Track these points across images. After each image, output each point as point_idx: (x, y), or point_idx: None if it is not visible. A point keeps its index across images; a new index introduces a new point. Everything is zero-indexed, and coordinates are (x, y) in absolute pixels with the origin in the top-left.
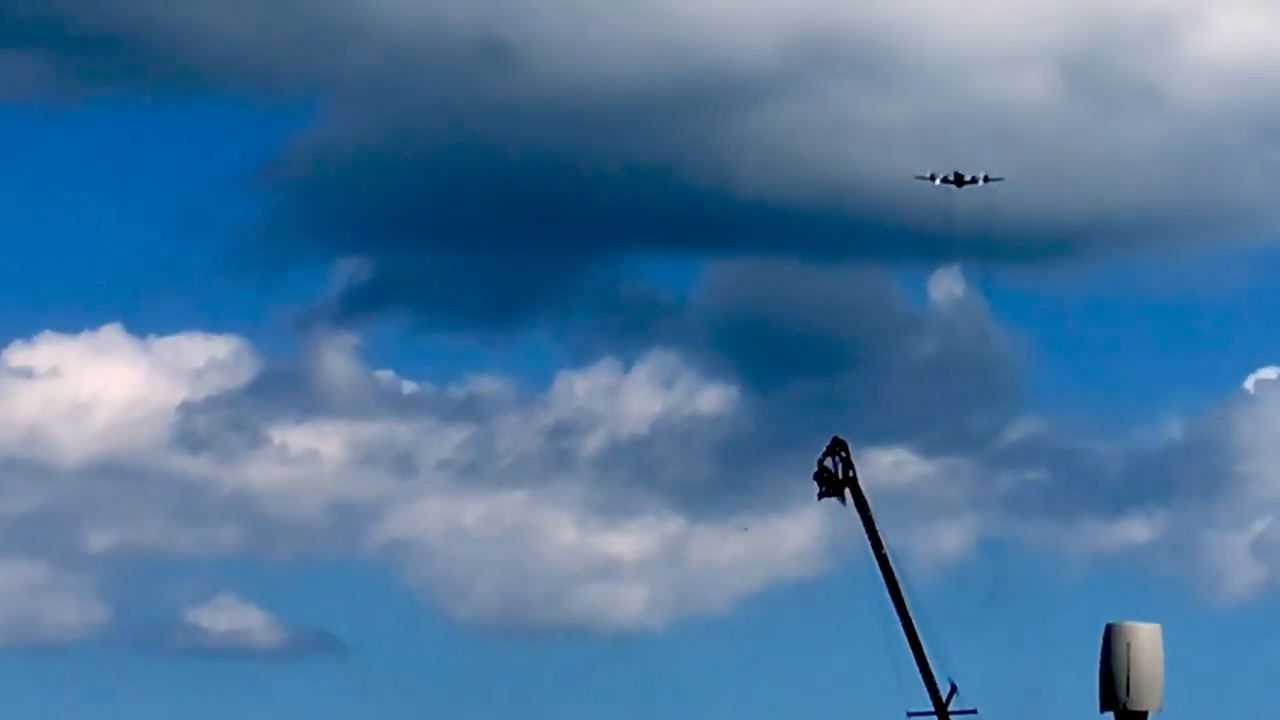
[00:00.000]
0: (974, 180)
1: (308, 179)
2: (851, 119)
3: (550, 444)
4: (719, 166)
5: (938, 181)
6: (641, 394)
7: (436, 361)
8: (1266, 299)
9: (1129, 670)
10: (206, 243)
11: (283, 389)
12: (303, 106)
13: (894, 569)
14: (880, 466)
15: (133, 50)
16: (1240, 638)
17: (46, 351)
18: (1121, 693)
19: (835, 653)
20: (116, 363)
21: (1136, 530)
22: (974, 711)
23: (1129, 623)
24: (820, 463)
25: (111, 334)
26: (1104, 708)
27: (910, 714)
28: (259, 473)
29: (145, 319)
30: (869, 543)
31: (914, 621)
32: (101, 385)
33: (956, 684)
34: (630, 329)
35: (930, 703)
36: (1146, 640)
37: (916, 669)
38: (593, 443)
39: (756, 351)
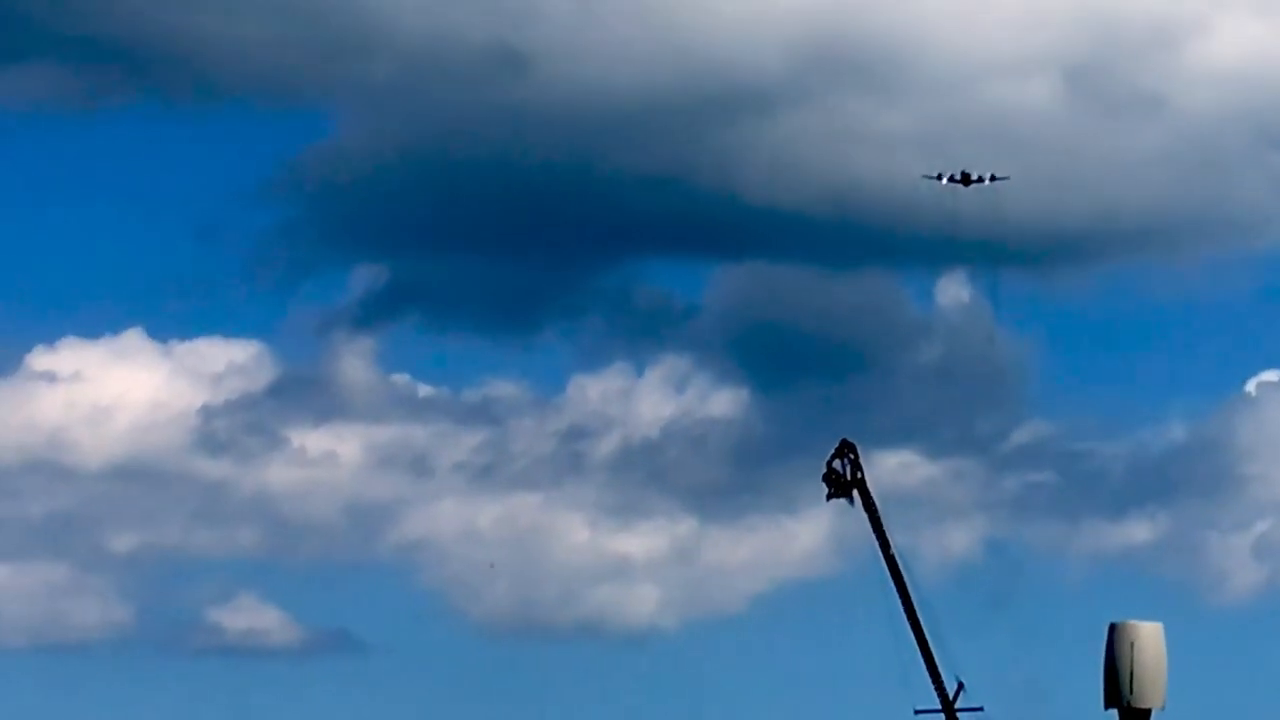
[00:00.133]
0: (980, 179)
1: (325, 187)
2: (859, 126)
3: (564, 446)
4: (729, 173)
5: (944, 181)
6: (653, 397)
7: (452, 365)
8: (1268, 303)
9: (1132, 668)
10: (226, 249)
11: (301, 393)
12: (320, 116)
13: (901, 569)
14: (888, 468)
15: (154, 62)
16: (1242, 637)
17: (69, 356)
18: (1125, 691)
19: (844, 651)
20: (138, 367)
21: (1140, 531)
22: (980, 709)
23: (1132, 622)
24: (829, 464)
25: (133, 339)
26: (1108, 705)
27: (918, 711)
28: (278, 475)
29: (166, 324)
30: (877, 543)
31: (921, 620)
32: (123, 389)
33: (963, 682)
34: (642, 334)
35: (937, 700)
36: (1149, 639)
37: (924, 667)
38: (606, 445)
39: (766, 355)
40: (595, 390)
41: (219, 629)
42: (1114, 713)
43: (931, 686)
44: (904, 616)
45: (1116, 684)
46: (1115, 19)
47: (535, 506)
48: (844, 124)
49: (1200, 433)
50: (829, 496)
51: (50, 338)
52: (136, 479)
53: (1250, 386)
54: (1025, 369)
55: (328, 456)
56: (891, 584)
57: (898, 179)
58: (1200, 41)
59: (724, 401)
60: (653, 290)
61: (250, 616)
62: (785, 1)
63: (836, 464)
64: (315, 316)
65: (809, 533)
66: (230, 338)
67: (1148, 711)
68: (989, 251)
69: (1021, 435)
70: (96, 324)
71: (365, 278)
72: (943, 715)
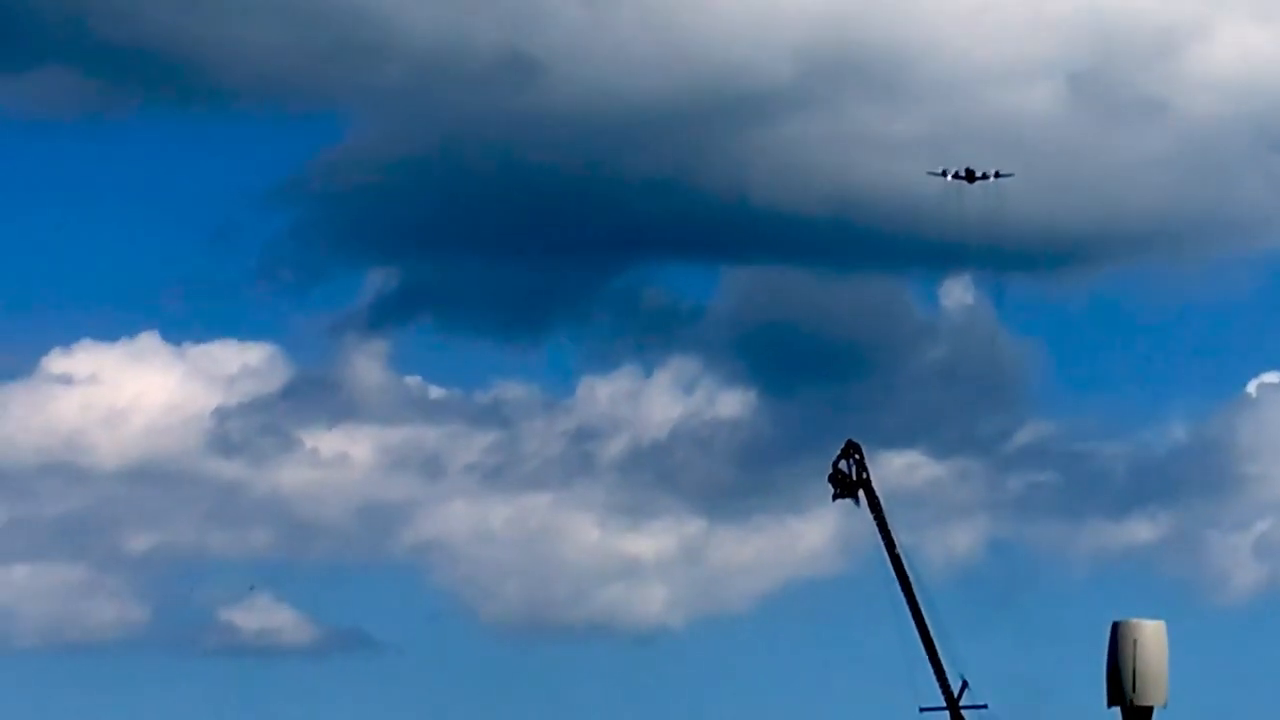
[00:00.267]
0: (985, 176)
1: (338, 191)
2: (864, 131)
3: (574, 447)
4: (736, 178)
5: (949, 178)
6: (662, 399)
7: (463, 368)
8: (1268, 305)
9: (1135, 666)
10: (240, 253)
11: (314, 395)
12: (332, 121)
13: (906, 568)
14: (893, 469)
15: (168, 68)
16: (1243, 635)
17: (85, 359)
18: (1128, 688)
19: (849, 649)
20: (153, 369)
21: (1142, 530)
22: (985, 706)
23: (1135, 620)
24: (835, 465)
25: (148, 341)
26: (1111, 703)
27: (923, 709)
28: (291, 476)
29: (181, 327)
30: (882, 543)
31: (926, 619)
32: (138, 391)
33: (968, 680)
34: (651, 336)
35: (942, 698)
36: (1152, 637)
37: (929, 665)
38: (615, 446)
39: (773, 357)
40: (604, 392)
41: (234, 628)
42: (1117, 710)
43: (936, 684)
44: (909, 615)
45: (1119, 682)
46: (1118, 25)
47: (545, 507)
48: (850, 128)
49: (1201, 433)
50: (835, 497)
51: (66, 341)
52: (152, 480)
53: (1251, 388)
54: (1028, 370)
55: (340, 458)
56: (896, 583)
57: (903, 183)
58: (1201, 47)
59: (732, 403)
60: (661, 293)
61: (264, 616)
62: (792, 7)
63: (842, 465)
64: (328, 319)
65: (815, 532)
66: (244, 340)
67: (1150, 709)
68: (993, 254)
69: (1025, 436)
70: (112, 327)
71: (377, 281)
72: (948, 713)
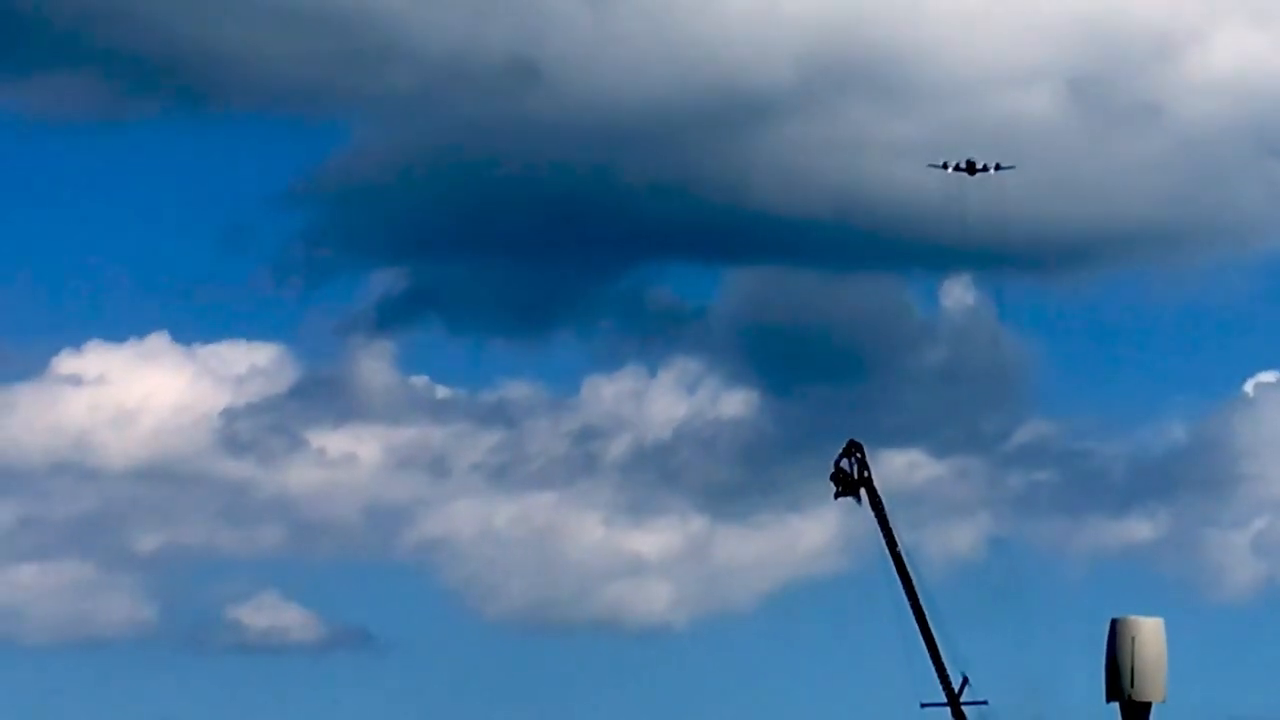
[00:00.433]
0: (985, 168)
1: (345, 194)
2: (865, 134)
3: (578, 447)
4: (739, 181)
5: (950, 170)
6: (666, 399)
7: (469, 368)
8: (1266, 306)
9: (1134, 662)
10: (248, 255)
11: (321, 395)
12: (340, 125)
13: (908, 566)
14: (894, 467)
15: (180, 72)
16: (1240, 632)
17: (94, 359)
18: (1126, 684)
19: (851, 646)
20: (162, 370)
21: (1141, 528)
22: (985, 702)
23: (1134, 617)
24: (836, 464)
25: (157, 342)
26: (1110, 698)
27: (923, 705)
28: (299, 475)
29: (190, 328)
30: (883, 540)
31: (927, 616)
32: (147, 391)
33: (968, 676)
34: (655, 336)
35: (943, 694)
36: (1150, 634)
37: (930, 661)
38: (619, 446)
39: (775, 358)
40: (609, 392)
41: (241, 626)
42: (1116, 706)
43: (937, 680)
44: (910, 612)
45: (1118, 678)
46: (1116, 31)
47: (550, 505)
48: (850, 131)
49: (1199, 432)
50: (837, 495)
51: (76, 341)
52: (160, 480)
53: (1249, 387)
54: (1028, 370)
55: (347, 457)
56: (898, 580)
57: (904, 185)
58: (1199, 52)
59: (734, 402)
60: (665, 294)
61: (272, 614)
62: (794, 13)
63: (844, 463)
64: (335, 320)
65: (817, 531)
66: (252, 341)
67: (1149, 704)
68: (993, 255)
69: (1025, 435)
70: (121, 328)
71: (384, 282)
72: (948, 709)
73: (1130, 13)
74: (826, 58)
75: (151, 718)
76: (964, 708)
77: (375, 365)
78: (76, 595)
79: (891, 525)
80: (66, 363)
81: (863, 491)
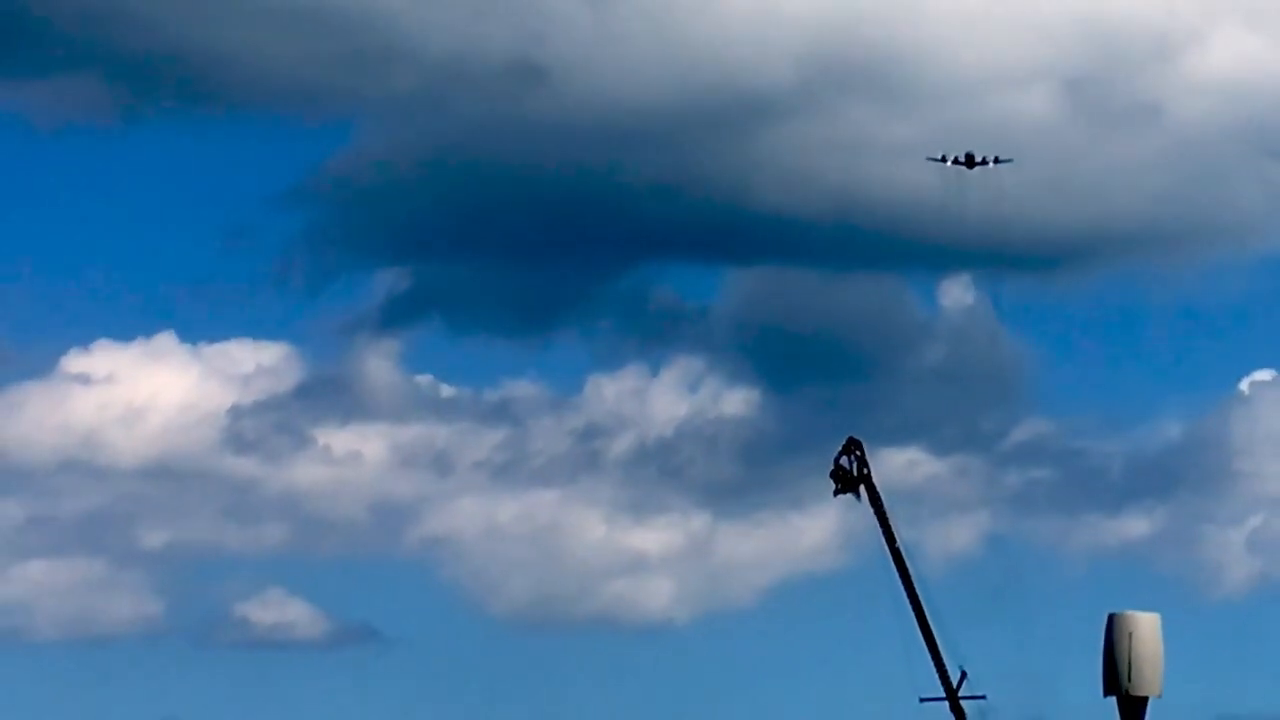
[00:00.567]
0: (984, 161)
1: (350, 194)
2: (865, 135)
3: (581, 445)
4: (740, 182)
5: (949, 163)
6: (668, 397)
7: (473, 366)
8: (1261, 305)
9: (1130, 657)
10: (254, 255)
11: (327, 393)
12: (344, 125)
13: (907, 562)
14: (893, 465)
15: (183, 73)
16: (1236, 627)
17: (102, 358)
18: (1123, 679)
19: (851, 642)
20: (169, 369)
21: (1137, 525)
22: (983, 697)
23: (1130, 612)
24: (836, 461)
25: (164, 341)
26: (1106, 693)
27: (923, 699)
28: (304, 473)
29: (196, 327)
30: (883, 537)
31: (926, 612)
32: (155, 390)
33: (966, 671)
34: (657, 335)
35: (942, 689)
36: (1147, 629)
37: (929, 657)
38: (621, 444)
39: (776, 356)
40: (611, 390)
41: (248, 622)
42: (1113, 700)
43: (936, 675)
44: (909, 608)
45: (1115, 672)
46: (1114, 32)
47: (553, 503)
48: (850, 132)
49: (1196, 430)
50: (836, 492)
51: (84, 341)
52: (168, 478)
53: (1244, 385)
54: (1026, 369)
55: (353, 455)
56: (897, 577)
57: (903, 185)
58: (1196, 53)
59: (735, 401)
60: (666, 293)
61: (278, 610)
62: (793, 14)
63: (844, 461)
64: (340, 319)
65: (817, 528)
66: (258, 340)
67: (1145, 699)
68: (991, 255)
69: (1022, 433)
70: (129, 327)
71: (389, 282)
72: (947, 703)
73: (1128, 13)
74: (826, 58)
75: (158, 713)
76: (962, 702)
77: (380, 364)
78: (84, 592)
79: (891, 522)
80: (75, 362)
81: (862, 489)
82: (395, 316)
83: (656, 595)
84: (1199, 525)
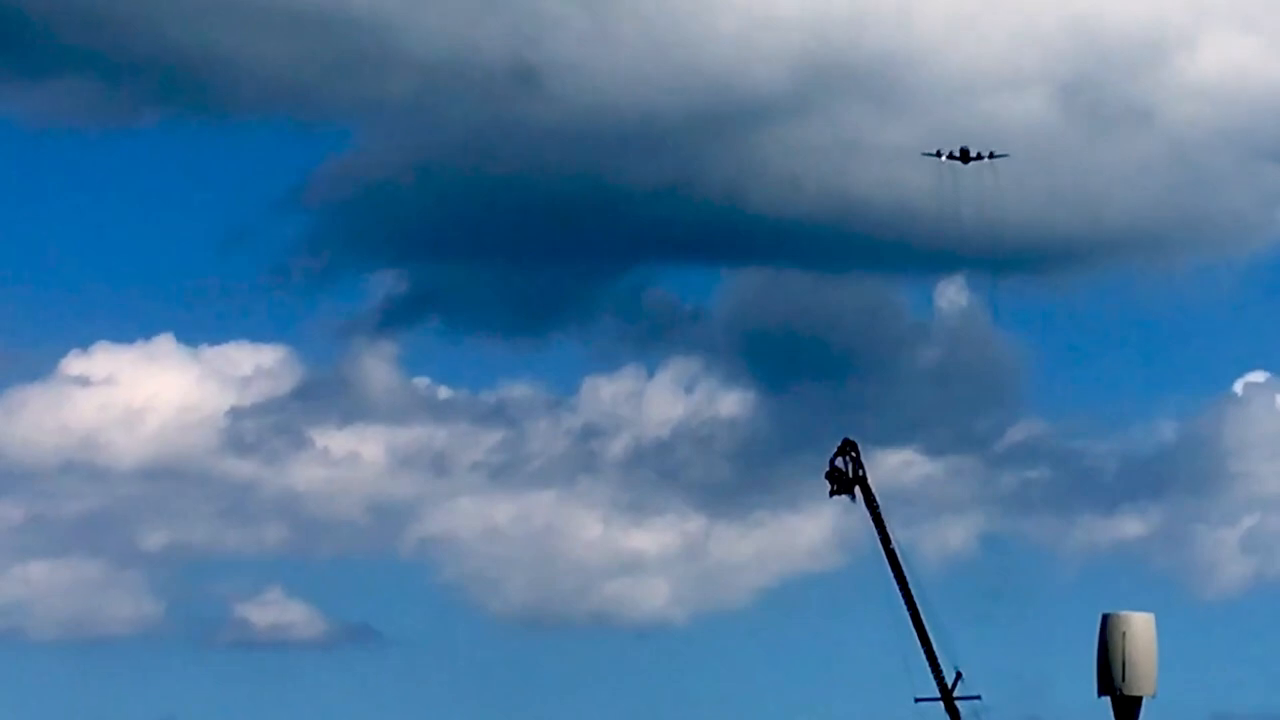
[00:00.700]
0: (979, 156)
1: (348, 198)
2: (859, 137)
3: (578, 446)
4: (735, 184)
5: (944, 158)
6: (664, 399)
7: (470, 368)
8: (1253, 307)
9: (1124, 657)
10: (253, 258)
11: (325, 395)
12: (342, 130)
13: (902, 563)
14: (889, 466)
15: (184, 79)
16: (1229, 627)
17: (102, 360)
18: (1117, 678)
19: (846, 642)
20: (169, 371)
21: (1131, 526)
22: (978, 697)
23: (1124, 612)
24: (832, 462)
25: (164, 344)
26: (1101, 692)
27: (918, 699)
28: (303, 474)
29: (196, 330)
30: (878, 538)
31: (921, 612)
32: (154, 392)
33: (961, 671)
34: (653, 337)
35: (937, 689)
36: (1141, 629)
37: (924, 657)
38: (618, 445)
39: (771, 358)
40: (607, 392)
41: (247, 623)
42: (1107, 699)
43: (931, 675)
44: (904, 608)
45: (1109, 672)
46: (1106, 37)
47: (550, 504)
48: (845, 135)
49: (1190, 431)
50: (832, 493)
51: (84, 343)
52: (167, 479)
53: (1238, 387)
54: (1020, 370)
55: (351, 456)
56: (892, 577)
57: (898, 187)
58: (1187, 57)
59: (731, 402)
60: (662, 295)
61: (277, 611)
62: (788, 20)
63: (839, 462)
64: (338, 322)
65: (813, 528)
66: (257, 342)
67: (1139, 698)
68: (986, 258)
69: (1017, 434)
70: (129, 329)
71: (386, 284)
72: (942, 703)
73: (1120, 18)
74: (821, 62)
75: (158, 713)
76: (957, 702)
77: (378, 366)
78: (84, 592)
79: (886, 523)
80: (75, 364)
81: (857, 489)
82: (393, 319)
83: (653, 595)
84: (1193, 526)
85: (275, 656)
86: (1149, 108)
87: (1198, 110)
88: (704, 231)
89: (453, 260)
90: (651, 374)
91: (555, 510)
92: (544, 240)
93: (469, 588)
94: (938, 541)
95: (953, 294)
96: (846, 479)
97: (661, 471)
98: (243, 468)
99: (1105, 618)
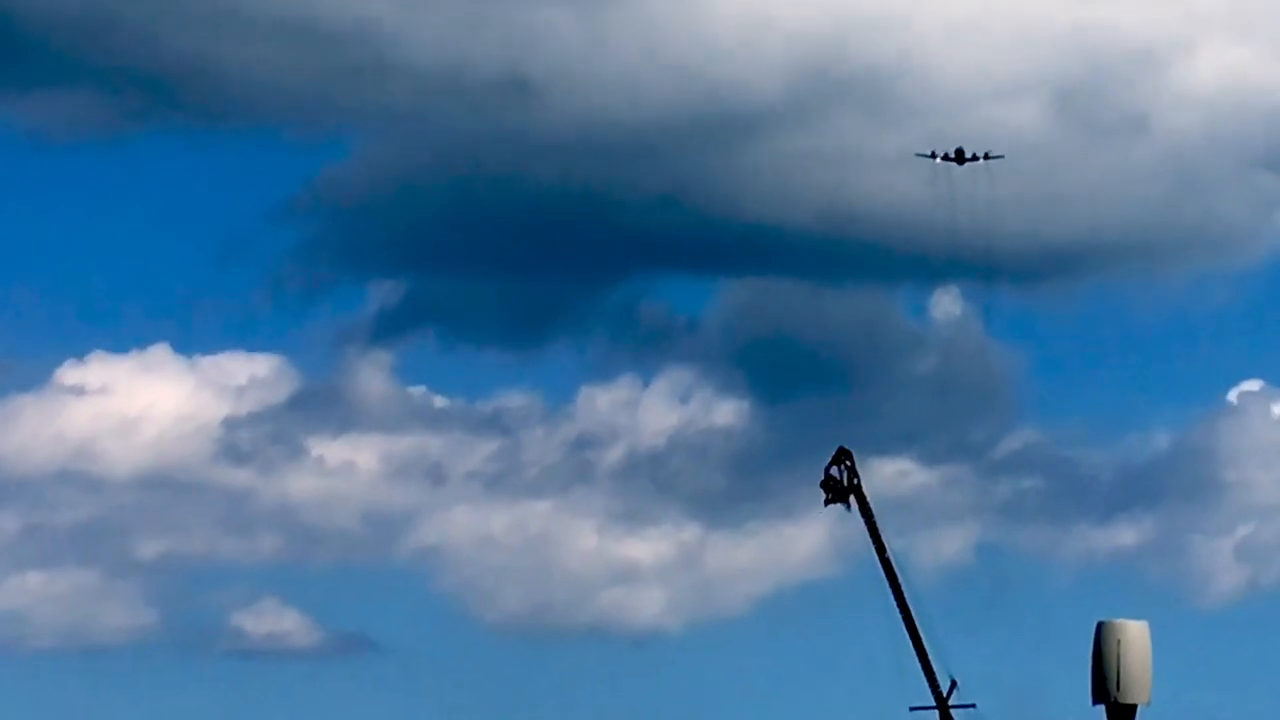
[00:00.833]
0: (975, 157)
1: (343, 207)
2: (854, 147)
3: (573, 455)
4: (731, 193)
5: (939, 159)
6: (659, 408)
7: (465, 378)
8: (1248, 315)
9: (1119, 665)
10: (248, 267)
11: (320, 404)
12: (337, 139)
13: (897, 572)
14: (884, 475)
15: (181, 89)
16: (1224, 635)
17: (97, 370)
18: (1112, 687)
19: (841, 651)
20: (164, 380)
21: (1126, 534)
22: (973, 705)
23: (1119, 620)
24: (827, 471)
25: (159, 353)
26: (1095, 701)
27: (913, 709)
28: (298, 484)
29: (191, 339)
30: (873, 547)
31: (916, 621)
32: (149, 401)
33: (957, 680)
34: (648, 347)
35: (932, 698)
36: (1136, 637)
37: (919, 666)
38: (613, 454)
39: (767, 367)
40: (603, 401)
41: (242, 632)
42: (1101, 708)
43: (926, 684)
44: (899, 617)
45: (1104, 680)
46: (1102, 44)
47: (545, 513)
48: (840, 144)
49: (1184, 440)
50: (827, 502)
51: (79, 352)
52: (162, 488)
53: (1232, 396)
54: (1015, 379)
55: (346, 466)
56: (887, 586)
57: (893, 197)
58: (1184, 65)
59: (726, 411)
60: (658, 305)
61: (272, 620)
62: (783, 27)
63: (834, 471)
64: (334, 331)
65: (808, 537)
66: (252, 352)
67: (1134, 707)
68: (980, 267)
69: (1012, 443)
70: (124, 339)
71: (382, 294)
72: (937, 712)
73: (1116, 26)
74: (816, 71)
75: None
76: (953, 711)
77: (373, 375)
78: (79, 602)
79: (881, 531)
80: (70, 373)
81: (852, 498)
82: (388, 328)
83: (648, 605)
84: (1188, 534)
85: (271, 666)
86: (1144, 116)
87: (1194, 118)
88: (699, 241)
89: (448, 270)
90: (647, 383)
91: (551, 519)
92: (540, 250)
93: (465, 597)
94: (932, 550)
95: (948, 303)
96: (841, 488)
97: (657, 481)
98: (238, 477)
99: (1100, 626)
